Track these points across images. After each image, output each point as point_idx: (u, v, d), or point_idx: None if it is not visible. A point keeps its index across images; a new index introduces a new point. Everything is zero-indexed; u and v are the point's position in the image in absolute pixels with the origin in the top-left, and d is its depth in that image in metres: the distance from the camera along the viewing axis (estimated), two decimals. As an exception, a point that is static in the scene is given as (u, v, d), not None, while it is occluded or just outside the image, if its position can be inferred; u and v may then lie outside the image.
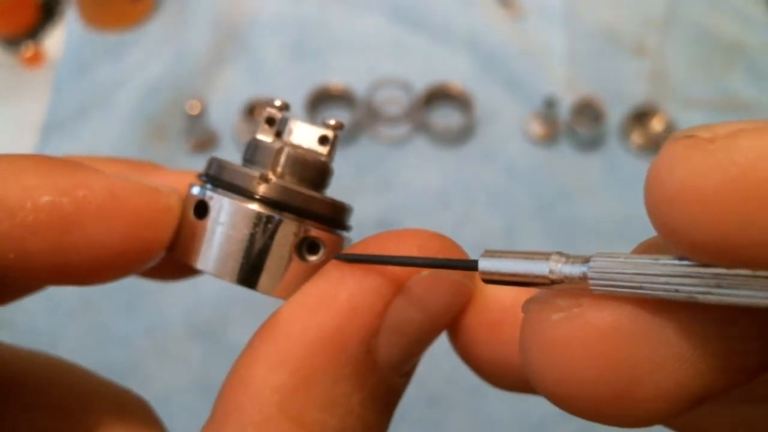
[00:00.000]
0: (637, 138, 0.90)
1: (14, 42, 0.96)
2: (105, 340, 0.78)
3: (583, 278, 0.19)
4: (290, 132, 0.27)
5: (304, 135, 0.27)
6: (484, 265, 0.21)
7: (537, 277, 0.20)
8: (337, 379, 0.23)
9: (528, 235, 0.84)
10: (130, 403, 0.29)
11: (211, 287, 0.79)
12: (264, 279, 0.25)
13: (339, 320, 0.23)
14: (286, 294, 0.24)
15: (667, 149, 0.17)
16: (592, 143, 0.90)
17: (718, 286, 0.17)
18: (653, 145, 0.89)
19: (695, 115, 0.92)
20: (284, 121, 0.27)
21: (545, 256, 0.20)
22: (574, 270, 0.19)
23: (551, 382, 0.20)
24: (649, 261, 0.18)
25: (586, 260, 0.19)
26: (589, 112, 0.90)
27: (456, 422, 0.75)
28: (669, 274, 0.17)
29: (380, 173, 0.88)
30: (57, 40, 0.98)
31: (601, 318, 0.19)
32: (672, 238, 0.17)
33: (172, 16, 0.99)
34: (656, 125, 0.90)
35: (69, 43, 0.97)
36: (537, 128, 0.90)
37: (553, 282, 0.20)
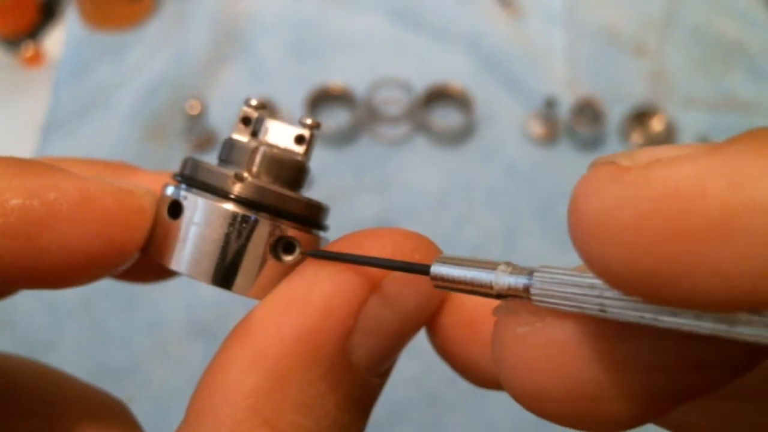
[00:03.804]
0: (637, 138, 0.89)
1: (14, 42, 0.96)
2: (105, 340, 0.78)
3: (526, 291, 0.19)
4: (266, 131, 0.27)
5: (280, 134, 0.27)
6: (436, 270, 0.21)
7: (483, 286, 0.20)
8: (312, 380, 0.22)
9: (528, 235, 0.84)
10: (107, 405, 0.29)
11: (210, 286, 0.78)
12: (239, 279, 0.24)
13: (313, 321, 0.23)
14: (261, 294, 0.24)
15: (587, 177, 0.17)
16: (592, 143, 0.90)
17: (640, 313, 0.17)
18: (653, 145, 0.88)
19: (695, 115, 0.92)
20: (260, 121, 0.27)
21: (493, 265, 0.20)
22: (518, 282, 0.19)
23: (520, 391, 0.20)
24: (586, 280, 0.18)
25: (530, 273, 0.19)
26: (589, 112, 0.90)
27: (456, 422, 0.75)
28: (600, 296, 0.17)
29: (380, 173, 0.88)
30: (57, 40, 0.98)
31: (561, 334, 0.19)
32: (591, 268, 0.17)
33: (172, 16, 0.99)
34: (656, 125, 0.90)
35: (69, 43, 0.97)
36: (537, 128, 0.90)
37: (499, 294, 0.20)
